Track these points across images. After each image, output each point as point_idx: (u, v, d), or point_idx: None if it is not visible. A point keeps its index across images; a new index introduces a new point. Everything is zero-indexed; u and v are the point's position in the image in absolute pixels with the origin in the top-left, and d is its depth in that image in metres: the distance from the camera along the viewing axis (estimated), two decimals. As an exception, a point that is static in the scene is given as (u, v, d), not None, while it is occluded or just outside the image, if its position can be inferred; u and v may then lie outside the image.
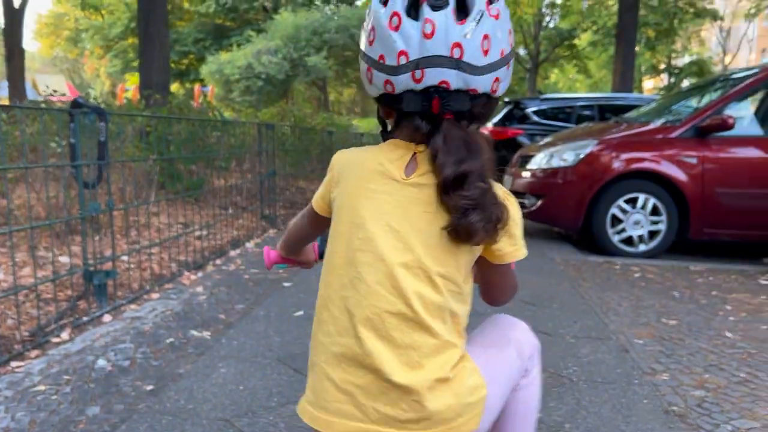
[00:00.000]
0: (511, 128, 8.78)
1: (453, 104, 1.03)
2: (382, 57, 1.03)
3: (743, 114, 5.50)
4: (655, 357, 2.79)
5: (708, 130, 5.31)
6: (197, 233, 4.92)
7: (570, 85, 50.44)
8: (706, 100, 5.84)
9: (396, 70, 1.02)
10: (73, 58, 44.83)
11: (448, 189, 1.01)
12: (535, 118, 8.81)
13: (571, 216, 5.63)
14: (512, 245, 1.12)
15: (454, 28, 0.99)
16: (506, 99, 9.79)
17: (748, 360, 2.79)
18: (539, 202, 5.78)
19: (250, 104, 26.37)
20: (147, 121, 6.92)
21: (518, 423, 1.22)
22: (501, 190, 1.11)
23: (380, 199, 1.04)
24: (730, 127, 5.19)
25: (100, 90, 40.12)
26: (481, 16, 1.00)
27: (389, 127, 1.14)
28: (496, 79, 1.05)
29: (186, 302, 3.41)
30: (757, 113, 5.54)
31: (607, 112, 8.91)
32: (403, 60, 1.01)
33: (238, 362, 2.55)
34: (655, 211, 5.42)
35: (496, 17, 1.02)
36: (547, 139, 6.84)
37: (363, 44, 1.09)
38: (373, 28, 1.04)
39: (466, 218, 1.00)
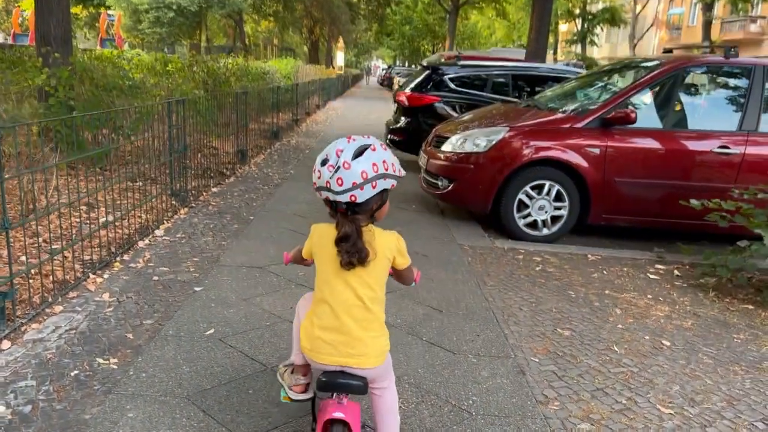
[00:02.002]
0: (428, 95, 8.81)
1: (339, 206, 1.92)
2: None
3: (645, 107, 5.77)
4: (548, 380, 3.00)
5: (612, 122, 5.56)
6: (102, 219, 4.74)
7: (489, 24, 50.73)
8: (611, 90, 6.07)
9: (315, 191, 1.96)
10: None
11: (336, 244, 1.92)
12: (452, 85, 8.86)
13: (481, 200, 5.81)
14: (403, 260, 2.07)
15: (326, 173, 1.88)
16: (424, 64, 9.78)
17: (630, 381, 3.05)
18: (451, 186, 5.92)
19: (160, 36, 24.97)
20: (47, 81, 6.47)
21: (390, 409, 2.11)
22: (384, 237, 2.01)
23: (334, 250, 1.94)
24: (633, 121, 5.46)
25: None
26: (338, 168, 1.86)
27: None
28: (352, 195, 1.87)
29: (91, 317, 3.33)
30: (657, 107, 5.83)
31: (520, 80, 9.09)
32: (314, 186, 1.95)
33: (146, 403, 2.55)
34: (558, 198, 5.68)
35: (347, 168, 1.85)
36: (465, 117, 6.94)
37: None
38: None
39: (341, 257, 1.91)
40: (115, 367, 2.84)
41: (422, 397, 2.77)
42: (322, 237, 1.99)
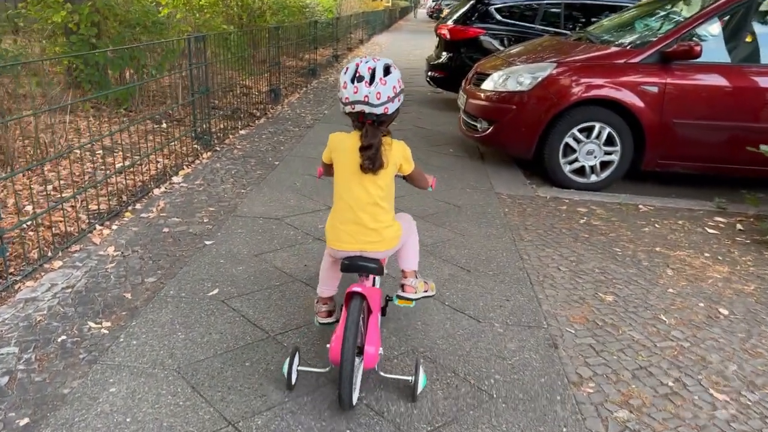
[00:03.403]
0: (472, 27, 8.22)
1: (367, 117, 2.16)
2: (341, 98, 2.20)
3: (711, 39, 5.13)
4: (584, 355, 2.66)
5: (673, 57, 4.97)
6: (118, 165, 4.52)
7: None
8: (673, 20, 5.42)
9: (345, 105, 2.19)
10: None
11: (360, 150, 2.16)
12: (499, 16, 8.23)
13: (524, 144, 5.35)
14: (408, 165, 2.35)
15: (365, 89, 2.12)
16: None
17: (679, 358, 2.68)
18: (491, 128, 5.46)
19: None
20: (68, 18, 6.21)
21: (410, 250, 2.55)
22: (394, 145, 2.26)
23: (353, 155, 2.19)
24: (697, 55, 4.85)
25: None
26: (376, 84, 2.11)
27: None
28: (385, 108, 2.15)
29: (91, 273, 3.12)
30: (725, 38, 5.16)
31: (573, 10, 8.38)
32: (346, 101, 2.17)
33: (132, 376, 2.33)
34: (609, 141, 5.18)
35: (384, 84, 2.13)
36: (509, 51, 6.39)
37: (338, 92, 2.23)
38: (339, 86, 2.19)
39: (363, 162, 2.16)
40: (106, 332, 2.63)
41: (438, 374, 2.47)
42: (341, 144, 2.28)
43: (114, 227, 3.71)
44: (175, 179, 4.62)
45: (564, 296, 3.20)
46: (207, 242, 3.58)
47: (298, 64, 11.14)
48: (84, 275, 3.10)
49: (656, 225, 4.35)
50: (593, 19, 8.15)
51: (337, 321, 2.44)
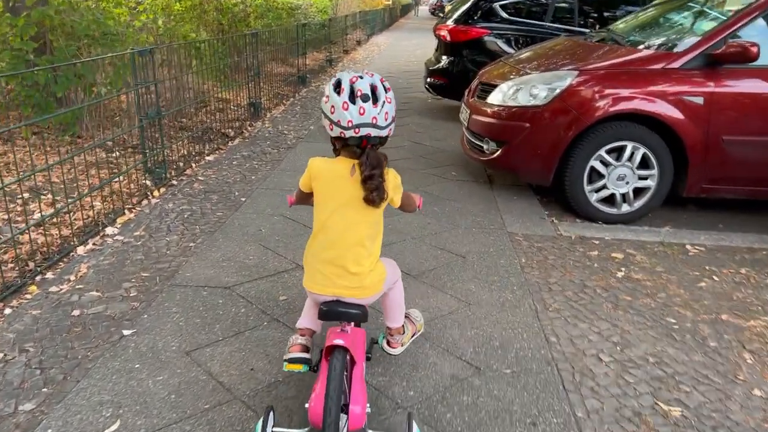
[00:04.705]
0: (475, 27, 7.29)
1: (371, 141, 1.90)
2: (339, 121, 1.87)
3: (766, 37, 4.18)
4: None
5: (722, 60, 4.04)
6: (37, 215, 3.64)
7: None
8: (718, 15, 4.48)
9: (346, 129, 1.86)
10: None
11: (365, 181, 1.87)
12: (504, 14, 7.30)
13: (540, 169, 4.44)
14: (398, 196, 2.06)
15: (372, 110, 1.86)
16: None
17: None
18: (500, 150, 4.54)
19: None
20: (3, 30, 5.34)
21: (395, 304, 2.29)
22: (389, 174, 1.96)
23: (340, 185, 1.93)
24: (754, 57, 3.93)
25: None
26: (383, 104, 1.88)
27: (337, 147, 2.00)
28: (389, 130, 1.93)
29: (-52, 397, 2.23)
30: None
31: (588, 5, 7.44)
32: (350, 124, 1.85)
33: None
34: (644, 164, 4.26)
35: (390, 102, 1.91)
36: (518, 57, 5.45)
37: (327, 112, 1.89)
38: (333, 106, 1.87)
39: (370, 195, 1.88)
40: None
41: None
42: (325, 172, 1.98)
43: (7, 311, 2.81)
44: (109, 230, 3.71)
45: (612, 410, 2.28)
46: (125, 332, 2.67)
47: (287, 71, 10.23)
48: (-65, 402, 2.21)
49: (714, 277, 3.43)
50: (606, 14, 7.27)
51: (308, 365, 2.10)
